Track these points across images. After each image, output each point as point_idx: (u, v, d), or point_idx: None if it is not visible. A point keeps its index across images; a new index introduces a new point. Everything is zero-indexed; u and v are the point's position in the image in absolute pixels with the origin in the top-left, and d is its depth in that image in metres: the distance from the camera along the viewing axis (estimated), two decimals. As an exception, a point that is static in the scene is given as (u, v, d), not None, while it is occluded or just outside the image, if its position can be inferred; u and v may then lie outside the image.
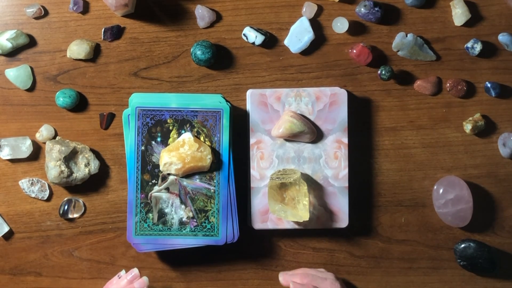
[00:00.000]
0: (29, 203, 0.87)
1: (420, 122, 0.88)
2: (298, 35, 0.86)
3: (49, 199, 0.87)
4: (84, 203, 0.87)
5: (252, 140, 0.85)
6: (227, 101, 0.85)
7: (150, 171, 0.83)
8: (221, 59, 0.87)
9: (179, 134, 0.83)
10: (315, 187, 0.85)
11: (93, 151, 0.86)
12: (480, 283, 0.89)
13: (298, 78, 0.87)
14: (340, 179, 0.85)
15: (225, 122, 0.83)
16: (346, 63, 0.88)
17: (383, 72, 0.86)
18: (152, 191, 0.84)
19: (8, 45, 0.85)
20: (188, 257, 0.87)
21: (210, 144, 0.83)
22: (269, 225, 0.86)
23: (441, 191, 0.87)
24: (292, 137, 0.84)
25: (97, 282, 0.88)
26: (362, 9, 0.86)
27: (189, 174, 0.83)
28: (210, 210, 0.84)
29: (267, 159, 0.85)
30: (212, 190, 0.84)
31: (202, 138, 0.83)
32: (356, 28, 0.87)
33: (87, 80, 0.87)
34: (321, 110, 0.85)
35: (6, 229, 0.87)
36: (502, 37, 0.87)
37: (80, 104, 0.87)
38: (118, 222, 0.88)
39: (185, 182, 0.84)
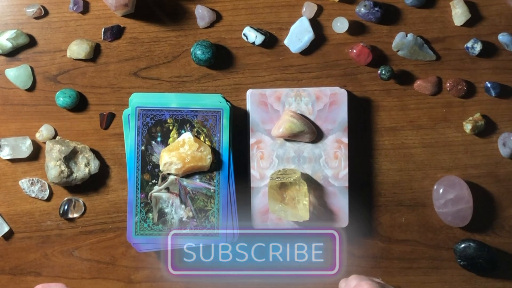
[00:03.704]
0: (29, 203, 0.87)
1: (420, 122, 0.88)
2: (298, 35, 0.86)
3: (49, 199, 0.87)
4: (84, 203, 0.87)
5: (252, 140, 0.85)
6: (227, 101, 0.85)
7: (150, 171, 0.83)
8: (221, 59, 0.87)
9: (179, 134, 0.84)
10: (315, 187, 0.85)
11: (93, 151, 0.86)
12: (480, 283, 0.89)
13: (298, 78, 0.87)
14: (340, 179, 0.85)
15: (225, 122, 0.83)
16: (346, 63, 0.88)
17: (383, 72, 0.86)
18: (152, 191, 0.84)
19: (8, 45, 0.85)
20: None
21: (210, 144, 0.83)
22: (269, 225, 0.86)
23: (441, 191, 0.87)
24: (292, 137, 0.84)
25: (97, 282, 0.88)
26: (362, 9, 0.86)
27: (189, 174, 0.83)
28: (210, 210, 0.84)
29: (267, 159, 0.85)
30: (212, 190, 0.84)
31: (202, 138, 0.84)
32: (356, 28, 0.87)
33: (87, 80, 0.87)
34: (321, 110, 0.85)
35: (6, 229, 0.87)
36: (502, 37, 0.87)
37: (80, 104, 0.87)
38: (118, 222, 0.88)
39: (185, 182, 0.84)
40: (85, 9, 0.86)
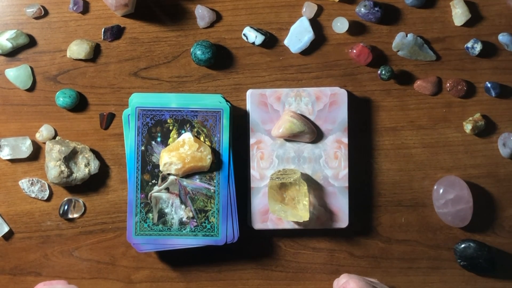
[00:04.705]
0: (29, 203, 0.87)
1: (420, 122, 0.88)
2: (298, 35, 0.86)
3: (49, 199, 0.87)
4: (84, 203, 0.87)
5: (252, 140, 0.85)
6: (227, 101, 0.85)
7: (150, 171, 0.83)
8: (221, 59, 0.87)
9: (179, 134, 0.84)
10: (315, 187, 0.85)
11: (93, 151, 0.86)
12: (480, 283, 0.89)
13: (298, 78, 0.87)
14: (340, 179, 0.85)
15: (225, 122, 0.83)
16: (346, 63, 0.88)
17: (383, 72, 0.86)
18: (152, 191, 0.84)
19: (8, 45, 0.85)
20: (188, 257, 0.87)
21: (210, 144, 0.83)
22: (269, 225, 0.86)
23: (441, 191, 0.87)
24: (292, 137, 0.84)
25: (97, 282, 0.88)
26: (362, 9, 0.86)
27: (189, 174, 0.83)
28: (210, 210, 0.84)
29: (267, 159, 0.85)
30: (212, 190, 0.84)
31: (202, 138, 0.84)
32: (356, 28, 0.87)
33: (87, 80, 0.87)
34: (321, 110, 0.85)
35: (6, 229, 0.87)
36: (502, 37, 0.87)
37: (80, 104, 0.87)
38: (118, 222, 0.88)
39: (185, 182, 0.84)
40: (85, 9, 0.86)
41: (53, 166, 0.84)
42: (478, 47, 0.86)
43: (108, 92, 0.87)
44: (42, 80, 0.87)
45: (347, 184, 0.85)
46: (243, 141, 0.86)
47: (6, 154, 0.86)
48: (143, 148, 0.83)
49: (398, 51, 0.87)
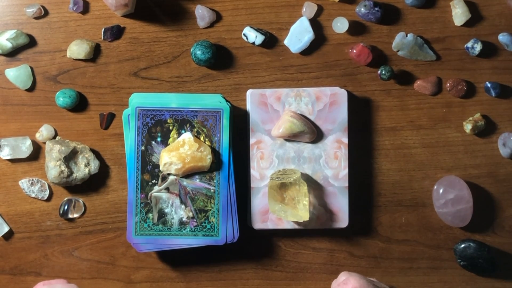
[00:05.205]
0: (29, 203, 0.87)
1: (420, 122, 0.88)
2: (298, 35, 0.86)
3: (49, 199, 0.87)
4: (84, 203, 0.87)
5: (252, 140, 0.85)
6: (227, 101, 0.85)
7: (150, 171, 0.83)
8: (221, 59, 0.87)
9: (179, 134, 0.84)
10: (315, 187, 0.85)
11: (93, 151, 0.86)
12: (480, 283, 0.89)
13: (298, 78, 0.87)
14: (340, 179, 0.85)
15: (225, 122, 0.83)
16: (346, 63, 0.88)
17: (383, 72, 0.86)
18: (152, 191, 0.84)
19: (8, 45, 0.85)
20: (188, 257, 0.87)
21: (210, 144, 0.83)
22: (269, 225, 0.86)
23: (441, 191, 0.87)
24: (292, 137, 0.84)
25: (97, 282, 0.88)
26: (362, 9, 0.86)
27: (189, 174, 0.83)
28: (210, 210, 0.84)
29: (267, 159, 0.85)
30: (212, 190, 0.84)
31: (202, 138, 0.84)
32: (356, 28, 0.87)
33: (87, 80, 0.87)
34: (321, 110, 0.85)
35: (6, 229, 0.87)
36: (502, 37, 0.87)
37: (80, 104, 0.87)
38: (118, 222, 0.88)
39: (185, 182, 0.84)
40: (85, 9, 0.86)
41: (53, 166, 0.84)
42: (478, 47, 0.86)
43: (108, 92, 0.87)
44: (42, 80, 0.87)
45: (347, 184, 0.85)
46: (243, 141, 0.86)
47: (6, 154, 0.86)
48: (143, 148, 0.83)
49: (398, 51, 0.87)
